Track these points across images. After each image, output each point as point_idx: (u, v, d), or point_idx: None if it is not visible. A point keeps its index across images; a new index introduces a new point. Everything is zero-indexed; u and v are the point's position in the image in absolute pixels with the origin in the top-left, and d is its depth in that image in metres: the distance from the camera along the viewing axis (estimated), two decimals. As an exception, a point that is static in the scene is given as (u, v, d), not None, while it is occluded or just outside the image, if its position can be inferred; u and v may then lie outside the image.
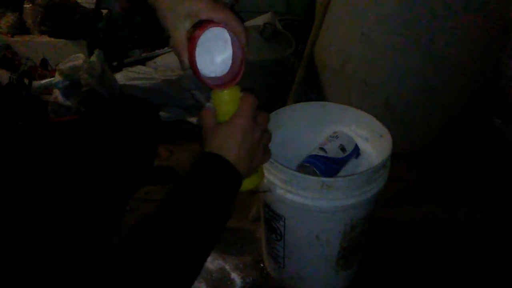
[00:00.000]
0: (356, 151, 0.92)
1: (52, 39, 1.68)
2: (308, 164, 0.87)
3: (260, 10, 1.72)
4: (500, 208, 1.20)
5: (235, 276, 1.04)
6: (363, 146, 0.94)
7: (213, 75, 0.62)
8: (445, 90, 1.22)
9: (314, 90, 1.51)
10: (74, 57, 1.45)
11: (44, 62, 1.68)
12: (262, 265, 1.06)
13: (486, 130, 1.45)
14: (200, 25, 0.58)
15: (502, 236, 1.13)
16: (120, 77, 1.54)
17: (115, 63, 1.67)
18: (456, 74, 1.20)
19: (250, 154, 0.63)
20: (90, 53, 1.56)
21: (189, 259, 0.54)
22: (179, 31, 0.59)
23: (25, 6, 1.67)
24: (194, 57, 0.58)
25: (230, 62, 0.62)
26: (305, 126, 0.99)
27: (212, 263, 1.07)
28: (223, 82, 0.63)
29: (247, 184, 0.68)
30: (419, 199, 1.24)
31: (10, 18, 1.69)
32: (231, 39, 0.61)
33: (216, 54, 0.61)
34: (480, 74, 1.26)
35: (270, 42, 1.40)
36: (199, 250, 0.56)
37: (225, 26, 0.59)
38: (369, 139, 0.94)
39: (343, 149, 0.90)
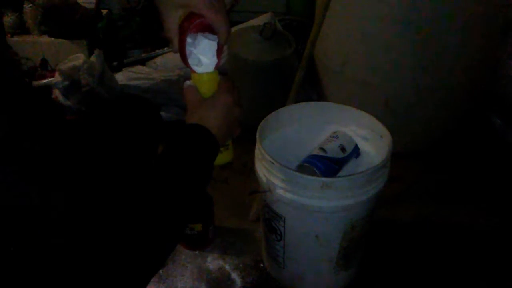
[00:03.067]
0: (356, 151, 0.92)
1: (52, 39, 1.68)
2: (308, 164, 0.87)
3: (260, 10, 1.72)
4: (500, 208, 1.20)
5: (235, 276, 1.04)
6: (363, 146, 0.94)
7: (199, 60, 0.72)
8: (445, 90, 1.22)
9: (314, 90, 1.51)
10: (74, 57, 1.45)
11: (44, 62, 1.68)
12: (262, 265, 1.06)
13: (486, 130, 1.45)
14: (191, 18, 0.68)
15: (502, 236, 1.13)
16: (120, 77, 1.54)
17: (115, 63, 1.67)
18: (456, 74, 1.20)
19: (228, 127, 0.71)
20: (90, 53, 1.56)
21: (176, 206, 0.62)
22: (172, 19, 0.68)
23: (25, 6, 1.67)
24: (184, 46, 0.69)
25: (214, 52, 0.72)
26: (305, 126, 0.99)
27: (212, 263, 1.07)
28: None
29: (220, 160, 0.76)
30: (419, 199, 1.24)
31: (10, 18, 1.69)
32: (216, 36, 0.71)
33: (201, 45, 0.71)
34: (480, 74, 1.26)
35: (270, 42, 1.40)
36: (185, 201, 0.63)
37: (211, 23, 0.68)
38: (369, 139, 0.94)
39: (343, 149, 0.90)
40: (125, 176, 0.82)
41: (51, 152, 0.56)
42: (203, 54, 0.71)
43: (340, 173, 0.90)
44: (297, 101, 1.15)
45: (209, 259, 1.08)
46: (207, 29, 0.70)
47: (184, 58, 0.71)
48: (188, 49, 0.70)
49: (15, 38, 1.68)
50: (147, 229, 0.56)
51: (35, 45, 1.68)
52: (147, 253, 0.57)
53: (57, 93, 1.43)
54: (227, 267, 1.06)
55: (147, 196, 0.59)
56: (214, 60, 0.72)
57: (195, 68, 0.72)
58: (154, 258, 0.59)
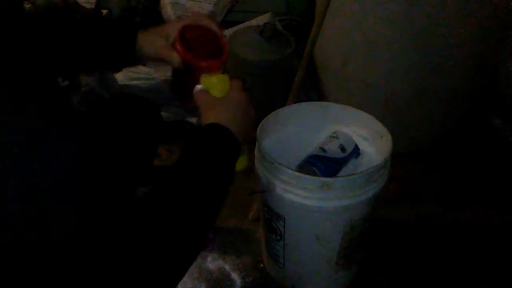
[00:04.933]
0: (356, 151, 0.92)
1: (52, 39, 1.68)
2: (308, 164, 0.87)
3: (260, 10, 1.72)
4: (500, 208, 1.20)
5: (235, 276, 1.04)
6: (363, 146, 0.94)
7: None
8: (445, 90, 1.22)
9: (314, 90, 1.51)
10: (74, 57, 1.44)
11: (44, 62, 1.68)
12: (262, 265, 1.06)
13: (486, 130, 1.45)
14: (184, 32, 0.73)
15: (502, 236, 1.13)
16: (120, 77, 1.54)
17: (115, 63, 1.67)
18: (456, 74, 1.20)
19: (246, 126, 0.68)
20: (90, 53, 1.56)
21: (201, 215, 0.59)
22: (159, 42, 0.72)
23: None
24: (182, 47, 0.71)
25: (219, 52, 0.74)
26: (305, 126, 0.99)
27: (212, 263, 1.07)
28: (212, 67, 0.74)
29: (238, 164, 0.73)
30: (419, 199, 1.24)
31: (10, 18, 1.69)
32: (217, 34, 0.75)
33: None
34: (480, 74, 1.26)
35: (270, 42, 1.40)
36: (210, 208, 0.61)
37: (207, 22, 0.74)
38: (369, 139, 0.94)
39: (343, 149, 0.90)
40: (125, 175, 0.82)
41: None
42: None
43: (340, 173, 0.90)
44: (297, 101, 1.15)
45: (209, 259, 1.08)
46: (197, 29, 0.73)
47: (189, 58, 0.72)
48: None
49: (15, 38, 1.68)
50: (169, 237, 0.53)
51: (35, 45, 1.68)
52: (168, 262, 0.53)
53: (57, 93, 1.43)
54: (227, 267, 1.06)
55: (170, 202, 0.55)
56: (221, 59, 0.74)
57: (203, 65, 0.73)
58: (176, 268, 0.55)
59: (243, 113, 0.68)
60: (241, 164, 0.75)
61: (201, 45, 0.76)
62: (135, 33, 0.74)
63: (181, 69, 0.72)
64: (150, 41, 0.74)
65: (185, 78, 0.74)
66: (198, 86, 0.72)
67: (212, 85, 0.71)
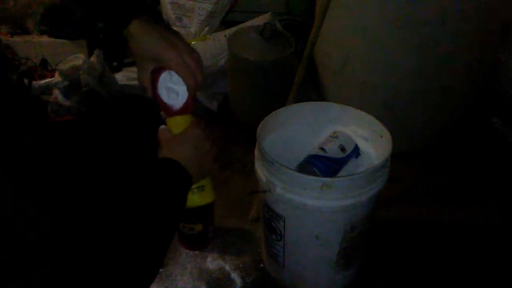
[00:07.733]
0: (356, 151, 0.92)
1: (52, 39, 1.68)
2: (308, 164, 0.87)
3: (260, 10, 1.72)
4: (500, 208, 1.20)
5: (235, 276, 1.04)
6: (363, 146, 0.94)
7: (172, 103, 0.77)
8: (445, 90, 1.22)
9: (314, 90, 1.51)
10: (74, 57, 1.44)
11: (44, 62, 1.68)
12: (262, 265, 1.06)
13: (486, 130, 1.45)
14: (159, 70, 0.75)
15: (502, 236, 1.13)
16: (120, 77, 1.54)
17: (115, 63, 1.67)
18: (456, 74, 1.20)
19: (200, 160, 0.73)
20: (90, 53, 1.56)
21: (150, 250, 0.60)
22: (144, 71, 0.74)
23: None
24: (157, 93, 0.76)
25: (186, 94, 0.76)
26: (305, 126, 0.99)
27: (212, 263, 1.07)
28: (179, 110, 0.77)
29: (197, 200, 0.80)
30: (419, 199, 1.24)
31: (10, 18, 1.69)
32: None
33: (175, 87, 0.76)
34: (480, 74, 1.26)
35: (270, 42, 1.40)
36: (158, 242, 0.62)
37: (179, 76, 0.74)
38: (369, 139, 0.94)
39: (343, 149, 0.90)
40: (123, 178, 0.82)
41: (39, 156, 0.56)
42: (178, 84, 0.75)
43: (340, 173, 0.90)
44: (297, 101, 1.16)
45: (209, 259, 1.08)
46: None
47: (158, 100, 0.77)
48: (163, 84, 0.75)
49: (15, 38, 1.68)
50: (117, 276, 0.54)
51: (35, 45, 1.68)
52: None
53: (57, 93, 1.43)
54: (227, 267, 1.06)
55: (117, 239, 0.56)
56: (186, 102, 0.76)
57: (172, 103, 0.76)
58: None
59: (195, 147, 0.72)
60: (206, 198, 0.82)
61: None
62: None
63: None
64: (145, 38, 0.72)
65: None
66: (163, 126, 0.78)
67: (176, 125, 0.77)
